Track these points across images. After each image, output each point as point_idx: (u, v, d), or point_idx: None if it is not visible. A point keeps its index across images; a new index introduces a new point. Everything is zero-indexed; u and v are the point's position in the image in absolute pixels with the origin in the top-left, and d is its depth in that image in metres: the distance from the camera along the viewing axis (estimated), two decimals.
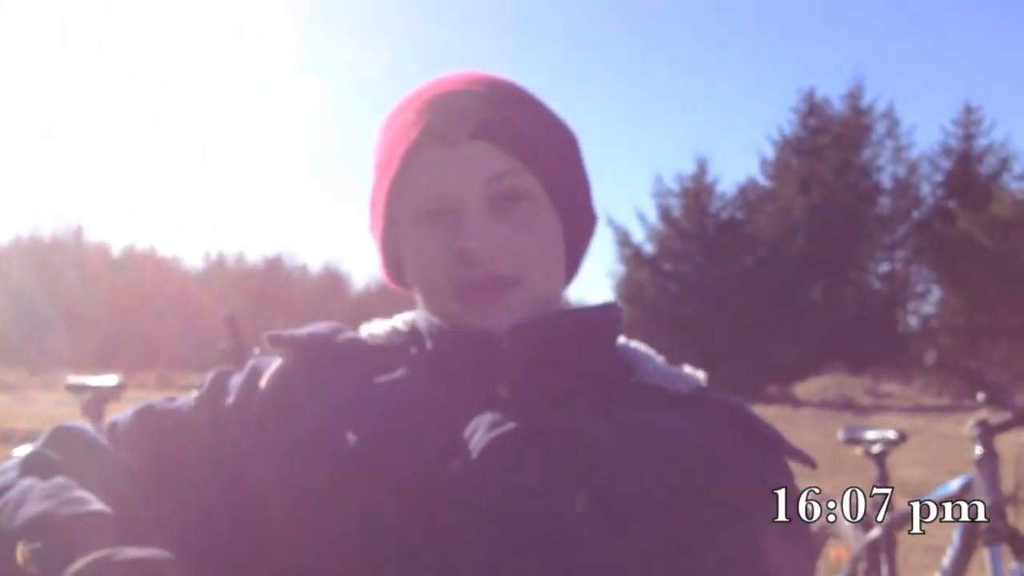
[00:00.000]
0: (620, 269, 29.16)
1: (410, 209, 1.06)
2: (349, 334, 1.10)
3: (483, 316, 1.03)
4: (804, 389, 25.11)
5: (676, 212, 29.02)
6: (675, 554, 0.92)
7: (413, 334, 1.09)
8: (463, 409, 0.99)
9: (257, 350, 3.06)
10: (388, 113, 1.13)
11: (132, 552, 0.83)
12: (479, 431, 0.96)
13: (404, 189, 1.07)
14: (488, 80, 1.11)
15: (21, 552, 0.86)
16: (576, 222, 1.12)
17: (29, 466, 1.00)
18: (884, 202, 30.15)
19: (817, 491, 3.85)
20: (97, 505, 0.92)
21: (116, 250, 42.85)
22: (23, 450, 1.08)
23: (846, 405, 21.36)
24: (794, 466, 1.07)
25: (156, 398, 1.11)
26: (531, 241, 1.05)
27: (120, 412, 1.11)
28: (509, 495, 0.92)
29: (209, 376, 1.11)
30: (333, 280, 45.69)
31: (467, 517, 0.90)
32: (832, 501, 3.62)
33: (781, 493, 1.01)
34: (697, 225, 28.57)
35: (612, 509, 0.92)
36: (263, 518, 0.95)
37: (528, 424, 0.96)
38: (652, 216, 29.18)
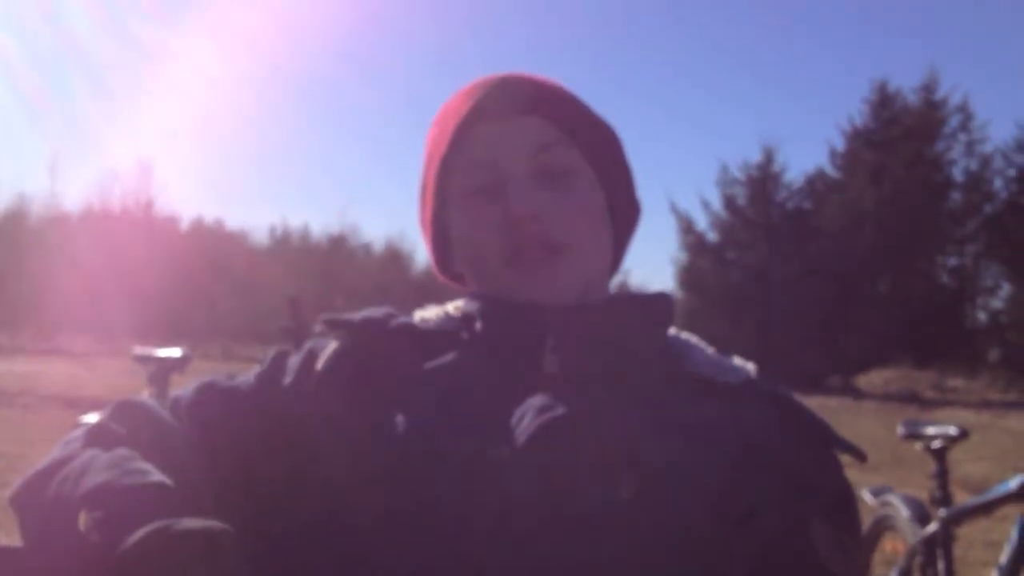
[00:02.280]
0: (682, 256, 28.98)
1: (459, 186, 1.09)
2: (402, 319, 1.12)
3: (532, 285, 1.04)
4: (867, 381, 24.76)
5: (741, 200, 28.74)
6: (720, 543, 0.92)
7: (464, 319, 1.10)
8: (511, 390, 0.99)
9: (318, 328, 3.08)
10: (442, 104, 1.15)
11: (191, 523, 0.85)
12: (527, 416, 0.96)
13: (454, 166, 1.09)
14: (538, 75, 1.14)
15: (83, 520, 0.89)
16: (621, 208, 1.14)
17: (93, 437, 1.02)
18: (955, 196, 29.52)
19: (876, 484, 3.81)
20: (158, 476, 0.94)
21: (185, 223, 43.50)
22: (89, 418, 1.11)
23: (910, 398, 21.02)
24: (854, 460, 1.06)
25: (217, 375, 1.14)
26: (578, 210, 1.07)
27: (183, 385, 1.14)
28: (555, 481, 0.93)
29: (269, 355, 1.13)
30: (395, 259, 45.90)
31: (514, 503, 0.91)
32: (890, 494, 3.58)
33: (830, 484, 1.00)
34: (762, 214, 28.26)
35: (658, 496, 0.92)
36: (317, 497, 0.98)
37: (576, 409, 0.96)
38: (716, 204, 28.95)
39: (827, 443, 1.04)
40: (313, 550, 0.96)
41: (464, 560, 0.89)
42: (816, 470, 1.01)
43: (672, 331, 1.14)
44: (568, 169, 1.08)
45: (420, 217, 1.18)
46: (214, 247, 39.86)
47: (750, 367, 1.10)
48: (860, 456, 1.06)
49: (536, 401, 0.97)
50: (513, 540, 0.90)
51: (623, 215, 1.15)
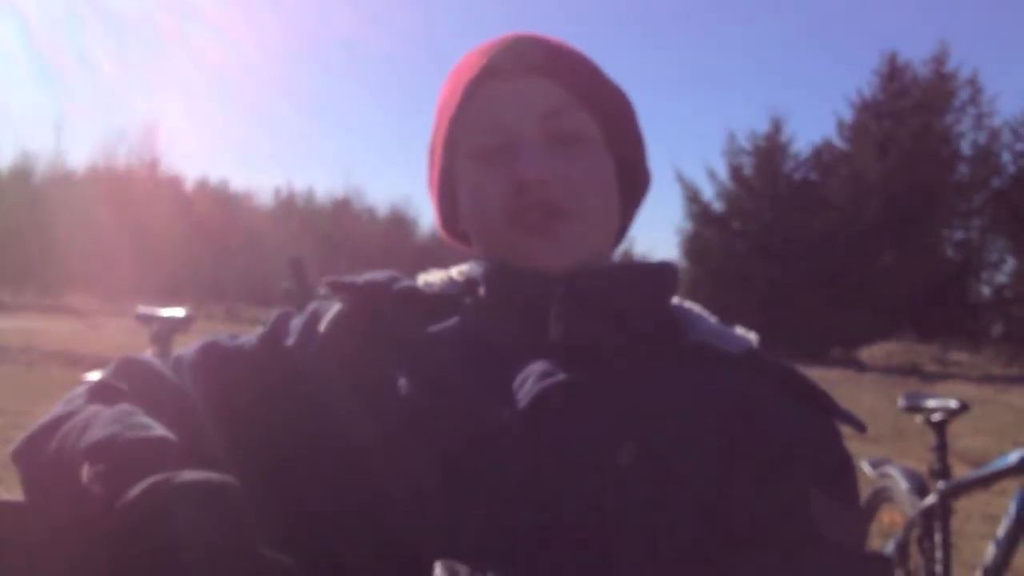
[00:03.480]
0: (687, 226, 28.94)
1: (468, 144, 1.08)
2: (406, 282, 1.12)
3: (535, 249, 1.04)
4: (869, 354, 24.78)
5: (747, 171, 28.65)
6: (719, 509, 0.92)
7: (468, 283, 1.10)
8: (514, 355, 0.99)
9: (321, 291, 3.09)
10: (453, 65, 1.15)
11: (193, 475, 0.85)
12: (528, 381, 0.96)
13: (463, 125, 1.09)
14: (551, 37, 1.13)
15: (85, 474, 0.89)
16: (630, 176, 1.13)
17: (96, 394, 1.03)
18: (963, 169, 29.38)
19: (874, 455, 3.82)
20: (160, 431, 0.94)
21: (189, 183, 43.47)
22: (92, 376, 1.11)
23: (912, 371, 21.06)
24: (854, 431, 1.07)
25: (221, 334, 1.14)
26: (586, 176, 1.06)
27: (186, 345, 1.14)
28: (555, 446, 0.93)
29: (272, 316, 1.14)
30: (400, 223, 45.88)
31: (514, 466, 0.92)
32: (889, 466, 3.60)
33: (829, 454, 1.01)
34: (768, 185, 28.18)
35: (657, 463, 0.93)
36: (317, 457, 0.98)
37: (577, 375, 0.96)
38: (723, 174, 28.87)
39: (827, 413, 1.04)
40: (312, 509, 0.96)
41: (463, 520, 0.90)
42: (816, 439, 1.01)
43: (676, 300, 1.14)
44: (578, 135, 1.07)
45: (428, 175, 1.17)
46: (219, 208, 39.85)
47: (752, 337, 1.10)
48: (860, 427, 1.06)
49: (538, 367, 0.97)
50: (512, 503, 0.90)
51: (632, 183, 1.14)
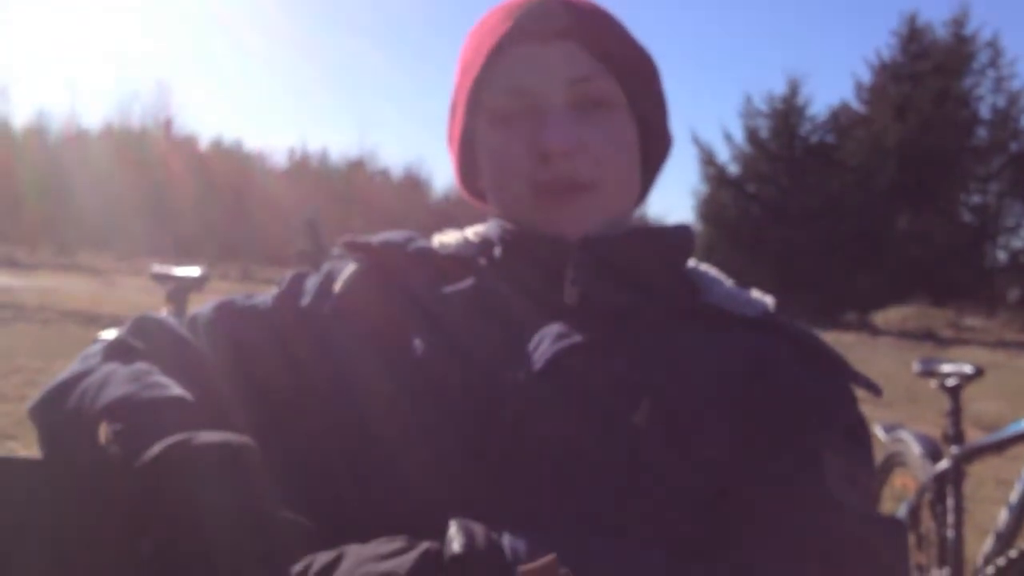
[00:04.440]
0: (703, 188, 28.84)
1: (492, 106, 1.07)
2: (421, 243, 1.12)
3: (555, 221, 1.04)
4: (884, 318, 24.74)
5: (764, 133, 28.49)
6: (733, 471, 0.93)
7: (484, 244, 1.10)
8: (529, 317, 1.00)
9: (336, 251, 3.09)
10: (478, 19, 1.13)
11: (211, 435, 0.85)
12: (544, 342, 0.97)
13: (488, 86, 1.07)
14: None
15: (104, 432, 0.90)
16: (652, 140, 1.12)
17: (112, 352, 1.03)
18: (981, 133, 29.14)
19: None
20: (177, 390, 0.95)
21: (204, 143, 43.48)
22: (108, 334, 1.11)
23: (926, 336, 21.01)
24: (868, 396, 1.06)
25: (236, 294, 1.14)
26: (609, 147, 1.05)
27: (202, 304, 1.14)
28: (570, 406, 0.94)
29: (287, 276, 1.14)
30: (413, 185, 45.86)
31: (528, 426, 0.92)
32: (903, 431, 3.59)
33: (844, 418, 1.00)
34: (785, 147, 28.03)
35: (672, 424, 0.93)
36: (332, 416, 0.99)
37: (593, 337, 0.97)
38: (739, 136, 28.74)
39: (843, 377, 1.04)
40: (329, 467, 0.96)
41: (479, 478, 0.90)
42: (830, 402, 1.00)
43: (691, 263, 1.14)
44: (604, 100, 1.06)
45: (448, 131, 1.16)
46: (233, 168, 39.88)
47: (768, 300, 1.10)
48: (876, 391, 1.06)
49: (554, 329, 0.98)
50: (526, 461, 0.91)
51: (654, 145, 1.13)
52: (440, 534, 0.78)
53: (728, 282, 1.12)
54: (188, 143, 41.98)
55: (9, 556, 0.85)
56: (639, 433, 0.92)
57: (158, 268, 4.14)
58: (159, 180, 33.84)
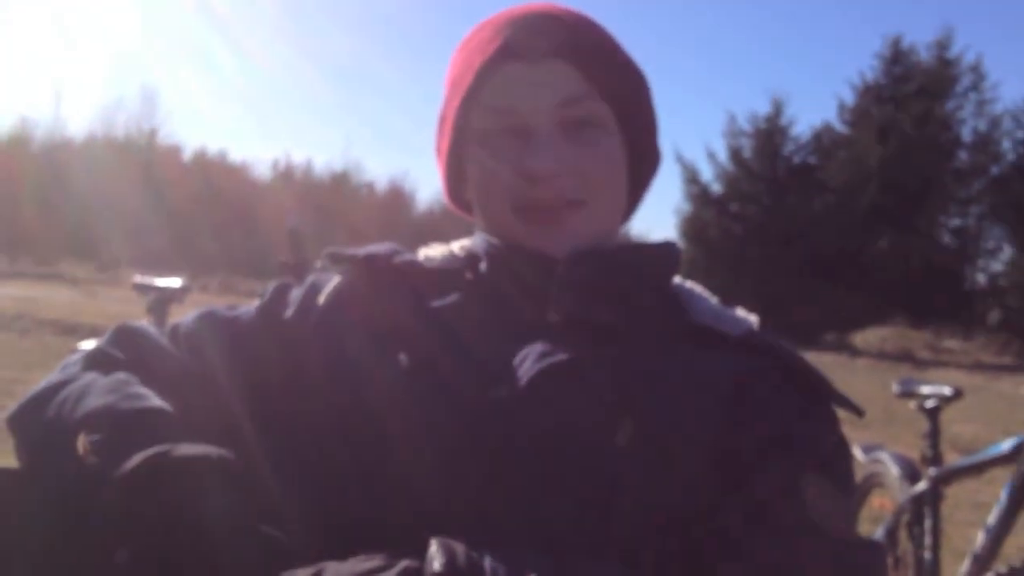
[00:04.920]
0: (686, 207, 28.86)
1: (480, 125, 1.06)
2: (407, 256, 1.11)
3: (541, 238, 1.03)
4: (863, 339, 24.82)
5: (747, 153, 28.57)
6: (714, 492, 0.92)
7: (470, 259, 1.10)
8: (514, 334, 0.99)
9: (319, 263, 3.08)
10: (466, 34, 1.13)
11: (190, 448, 0.85)
12: (528, 360, 0.96)
13: (476, 104, 1.07)
14: (569, 9, 1.11)
15: (82, 442, 0.89)
16: (641, 158, 1.12)
17: (92, 361, 1.03)
18: (962, 156, 29.32)
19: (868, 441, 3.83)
20: (157, 401, 0.94)
21: (187, 154, 43.34)
22: (87, 344, 1.11)
23: (905, 357, 21.11)
24: (846, 416, 1.06)
25: (218, 304, 1.13)
26: (598, 166, 1.05)
27: (183, 315, 1.14)
28: (553, 425, 0.93)
29: (270, 287, 1.13)
30: (397, 198, 45.82)
31: (510, 444, 0.92)
32: (881, 452, 3.60)
33: (825, 439, 1.00)
34: (768, 167, 28.12)
35: (654, 445, 0.93)
36: (315, 428, 0.98)
37: (577, 355, 0.96)
38: (722, 156, 28.82)
39: (825, 398, 1.04)
40: (310, 478, 0.96)
41: (459, 494, 0.90)
42: (812, 424, 1.00)
43: (677, 280, 1.14)
44: (593, 120, 1.05)
45: (437, 145, 1.16)
46: (216, 179, 39.77)
47: (752, 319, 1.10)
48: (857, 412, 1.06)
49: (538, 347, 0.97)
50: (508, 479, 0.90)
51: (642, 163, 1.13)
52: (420, 552, 0.77)
53: (713, 300, 1.12)
54: (172, 152, 41.84)
55: None
56: (621, 454, 0.92)
57: (139, 278, 4.11)
58: (142, 190, 33.67)
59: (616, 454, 0.92)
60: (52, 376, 1.02)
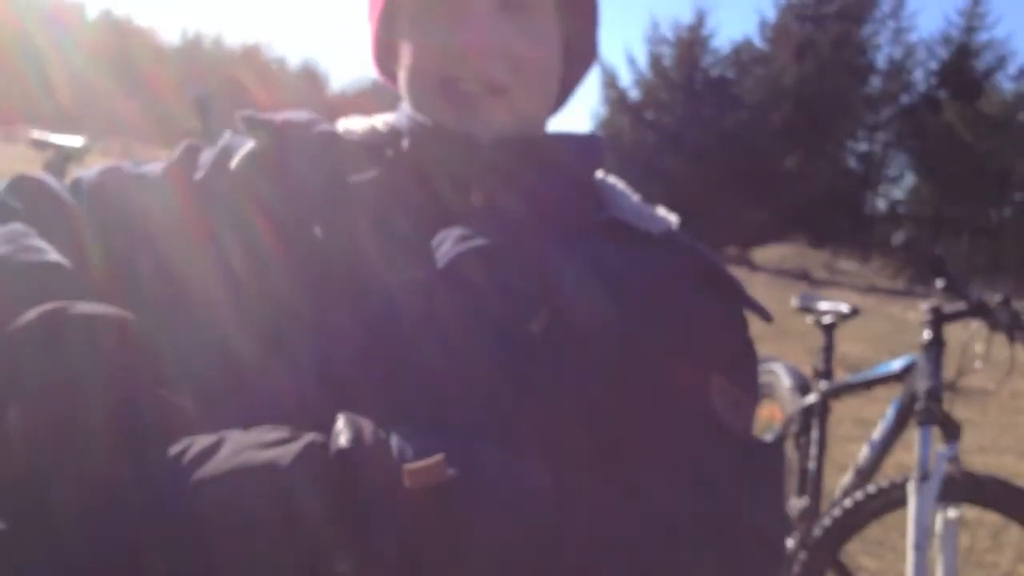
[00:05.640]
0: (602, 111, 28.90)
1: None
2: (325, 126, 1.06)
3: (467, 120, 1.01)
4: (763, 255, 25.41)
5: (667, 61, 28.61)
6: (624, 384, 0.92)
7: (392, 135, 1.06)
8: (433, 215, 0.97)
9: (228, 134, 2.99)
10: None
11: (88, 307, 0.81)
12: (447, 242, 0.94)
13: None
14: None
15: None
16: (577, 48, 1.10)
17: None
18: (875, 82, 29.84)
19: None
20: (55, 256, 0.90)
21: (92, 12, 41.72)
22: None
23: (802, 276, 21.67)
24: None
25: (123, 162, 1.07)
26: (530, 51, 1.02)
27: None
28: (470, 308, 0.91)
29: (179, 147, 1.07)
30: (310, 78, 44.95)
31: (424, 325, 0.90)
32: (775, 363, 3.69)
33: (734, 341, 1.02)
34: (686, 78, 28.23)
35: (567, 333, 0.92)
36: (220, 294, 0.93)
37: (495, 241, 0.95)
38: (642, 62, 28.82)
39: (737, 301, 1.04)
40: (210, 347, 0.91)
41: (369, 375, 0.87)
42: (722, 324, 1.01)
43: (599, 175, 1.12)
44: (533, 2, 1.02)
45: (369, 7, 1.11)
46: (121, 41, 38.42)
47: (672, 219, 1.09)
48: (766, 316, 1.08)
49: (456, 231, 0.95)
50: (420, 360, 0.88)
51: (578, 56, 1.10)
52: (326, 427, 0.75)
53: (634, 197, 1.11)
54: (74, 9, 40.21)
55: None
56: (535, 342, 0.91)
57: (37, 134, 3.96)
58: (43, 47, 32.36)
59: (531, 342, 0.91)
60: None
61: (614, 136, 27.82)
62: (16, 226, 0.93)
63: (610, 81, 28.57)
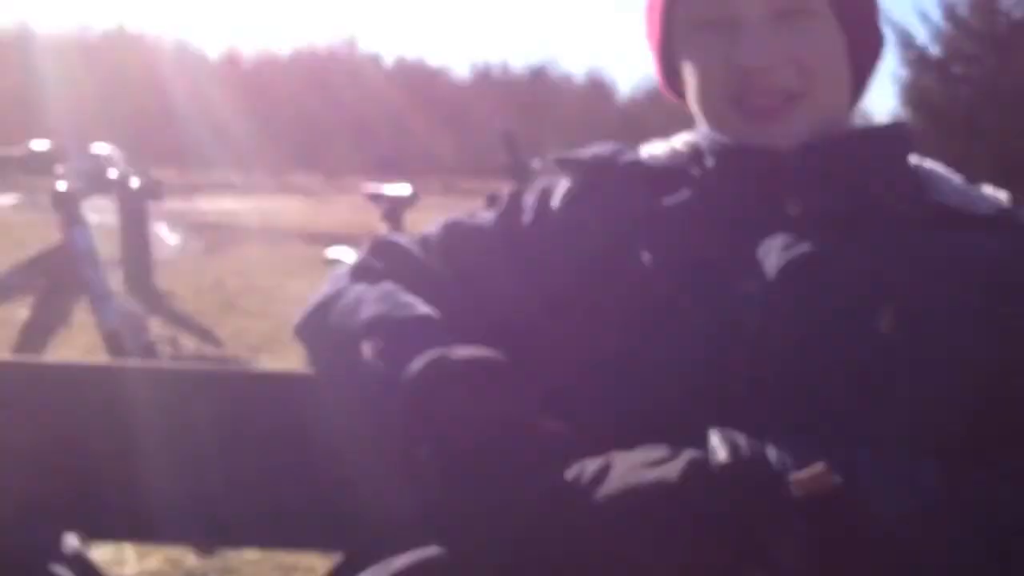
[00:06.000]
0: (904, 73, 27.25)
1: (688, 16, 1.04)
2: (631, 155, 1.10)
3: (764, 133, 1.01)
4: None
5: (961, 10, 26.57)
6: (992, 375, 0.90)
7: (694, 154, 1.07)
8: (749, 229, 0.98)
9: (536, 163, 3.12)
10: None
11: (467, 351, 0.90)
12: (773, 252, 0.95)
13: None
14: None
15: (367, 349, 0.96)
16: (862, 40, 1.07)
17: (358, 273, 1.09)
18: None
19: None
20: (424, 308, 1.00)
21: (388, 60, 44.16)
22: (335, 251, 1.18)
23: None
24: None
25: (459, 213, 1.17)
26: (814, 53, 1.01)
27: (414, 218, 1.18)
28: (810, 315, 0.91)
29: (504, 195, 1.15)
30: (597, 89, 45.27)
31: (769, 335, 0.90)
32: None
33: None
34: (986, 23, 26.11)
35: (918, 330, 0.90)
36: (567, 331, 0.99)
37: (823, 245, 0.94)
38: (935, 14, 26.93)
39: None
40: (566, 383, 0.96)
41: (725, 390, 0.89)
42: None
43: (914, 160, 1.08)
44: (804, 6, 1.01)
45: (647, 32, 1.13)
46: (419, 84, 40.37)
47: (1002, 196, 1.05)
48: None
49: (779, 240, 0.96)
50: (774, 371, 0.89)
51: (864, 45, 1.08)
52: (696, 443, 0.79)
53: (956, 178, 1.07)
54: (373, 61, 42.71)
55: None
56: (886, 340, 0.89)
57: (370, 187, 4.24)
58: (349, 100, 34.62)
59: (882, 341, 0.90)
60: (325, 288, 1.09)
61: (922, 97, 26.17)
62: (387, 285, 1.04)
63: (906, 40, 26.90)
